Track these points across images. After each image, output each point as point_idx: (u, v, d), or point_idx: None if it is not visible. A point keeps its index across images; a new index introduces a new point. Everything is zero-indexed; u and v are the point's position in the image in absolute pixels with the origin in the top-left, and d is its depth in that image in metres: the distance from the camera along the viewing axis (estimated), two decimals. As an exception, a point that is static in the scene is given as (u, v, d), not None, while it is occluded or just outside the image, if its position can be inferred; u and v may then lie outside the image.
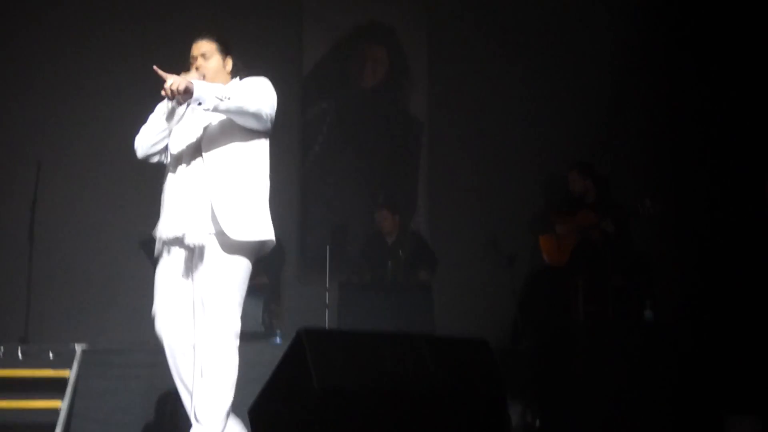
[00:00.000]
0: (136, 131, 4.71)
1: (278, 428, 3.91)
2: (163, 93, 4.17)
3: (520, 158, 9.09)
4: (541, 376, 6.37)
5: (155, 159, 4.63)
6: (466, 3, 9.39)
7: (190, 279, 4.43)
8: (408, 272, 7.99)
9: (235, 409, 5.49)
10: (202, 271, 4.36)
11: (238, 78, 4.63)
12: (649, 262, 7.52)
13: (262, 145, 4.59)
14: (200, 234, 4.32)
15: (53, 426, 5.72)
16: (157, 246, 4.50)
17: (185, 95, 4.13)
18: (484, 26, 9.28)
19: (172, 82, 4.12)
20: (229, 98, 4.22)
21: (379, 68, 9.70)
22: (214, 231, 4.35)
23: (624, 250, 7.35)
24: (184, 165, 4.44)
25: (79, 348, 6.18)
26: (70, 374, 6.05)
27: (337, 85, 9.59)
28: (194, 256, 4.38)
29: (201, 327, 4.36)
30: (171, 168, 4.50)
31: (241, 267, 4.43)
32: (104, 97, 8.24)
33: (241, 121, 4.39)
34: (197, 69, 4.51)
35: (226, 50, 4.61)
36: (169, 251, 4.46)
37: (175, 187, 4.44)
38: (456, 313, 8.06)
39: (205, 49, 4.55)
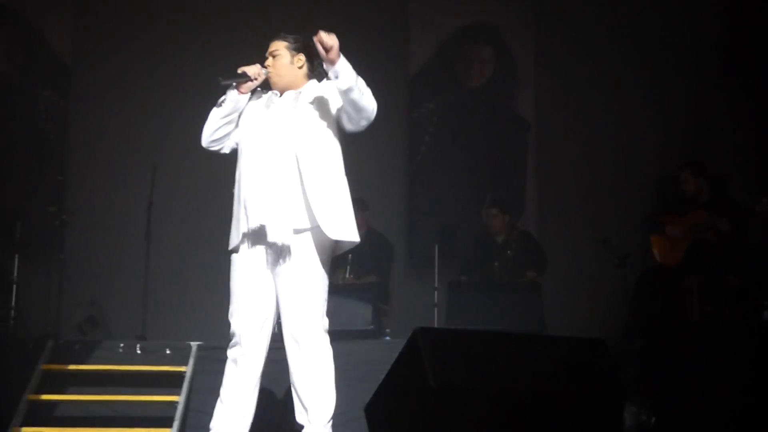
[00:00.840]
0: None
1: (394, 426, 3.94)
2: (318, 41, 4.24)
3: (629, 157, 8.97)
4: (656, 376, 6.27)
5: (215, 147, 4.64)
6: (573, 2, 9.30)
7: (271, 276, 4.45)
8: (516, 272, 7.95)
9: (350, 407, 5.60)
10: (286, 268, 4.39)
11: (315, 80, 4.66)
12: (767, 261, 7.33)
13: (340, 148, 4.64)
14: (286, 230, 4.37)
15: (171, 419, 5.85)
16: (234, 239, 4.50)
17: (331, 56, 4.25)
18: (591, 25, 9.19)
19: (329, 37, 4.25)
20: (359, 90, 4.39)
21: (485, 68, 9.69)
22: (300, 228, 4.40)
23: (740, 250, 7.18)
24: (270, 160, 4.46)
25: (194, 345, 6.32)
26: (187, 370, 6.18)
27: (443, 86, 9.62)
28: (277, 252, 4.40)
29: (290, 326, 4.41)
30: (251, 161, 4.50)
31: (326, 265, 4.48)
32: (215, 102, 8.43)
33: (353, 113, 4.50)
34: (266, 67, 4.61)
35: (296, 49, 4.66)
36: (249, 246, 4.47)
37: (260, 181, 4.45)
38: (566, 313, 8.00)
39: (274, 48, 4.66)
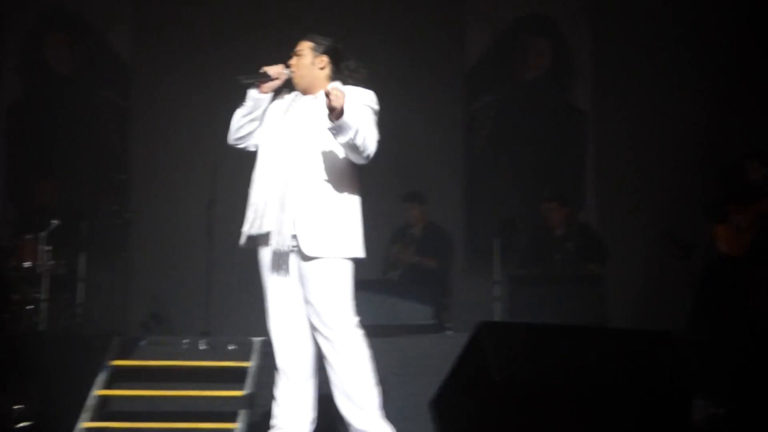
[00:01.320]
0: None
1: (459, 420, 3.94)
2: (329, 100, 4.17)
3: (691, 146, 8.85)
4: (724, 369, 6.18)
5: (241, 145, 4.66)
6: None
7: (294, 276, 4.45)
8: (577, 265, 7.90)
9: (413, 401, 5.61)
10: (303, 272, 4.42)
11: (338, 83, 4.58)
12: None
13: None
14: (286, 238, 4.37)
15: (235, 414, 5.90)
16: (242, 239, 4.53)
17: (335, 115, 4.19)
18: (649, 13, 9.08)
19: (339, 95, 4.18)
20: (357, 144, 4.28)
21: (542, 60, 9.64)
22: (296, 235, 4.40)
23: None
24: (279, 165, 4.47)
25: (257, 340, 6.36)
26: (251, 365, 6.24)
27: (500, 79, 9.59)
28: (282, 257, 4.41)
29: (318, 329, 4.42)
30: (263, 165, 4.53)
31: (340, 266, 4.45)
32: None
33: (351, 153, 4.39)
34: (290, 66, 4.62)
35: (320, 50, 4.65)
36: (261, 248, 4.50)
37: (266, 184, 4.47)
38: (629, 306, 7.94)
39: (299, 47, 4.66)
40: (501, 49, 9.62)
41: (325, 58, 4.64)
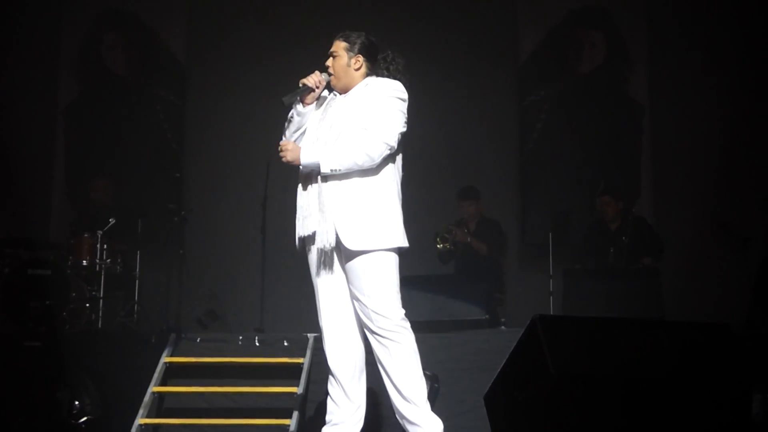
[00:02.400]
0: None
1: (514, 414, 3.92)
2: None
3: (748, 138, 8.71)
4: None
5: None
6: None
7: (340, 274, 4.51)
8: (632, 258, 7.81)
9: (468, 396, 5.59)
10: (348, 269, 4.47)
11: (372, 77, 4.62)
12: None
13: (393, 153, 4.55)
14: (327, 235, 4.41)
15: (290, 410, 5.91)
16: (297, 243, 4.60)
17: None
18: (704, 2, 8.94)
19: (284, 152, 4.47)
20: (339, 170, 4.38)
21: (596, 53, 9.55)
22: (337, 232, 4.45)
23: None
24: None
25: (311, 336, 6.37)
26: (305, 361, 6.25)
27: (554, 72, 9.51)
28: (335, 252, 4.48)
29: (365, 323, 4.46)
30: (305, 168, 4.57)
31: (383, 259, 4.47)
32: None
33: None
34: (327, 66, 4.63)
35: (355, 50, 4.64)
36: (310, 248, 4.55)
37: (306, 186, 4.52)
38: (685, 299, 7.83)
39: (334, 48, 4.66)
40: (555, 43, 9.54)
41: (360, 58, 4.65)
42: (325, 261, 4.48)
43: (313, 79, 4.56)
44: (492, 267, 8.04)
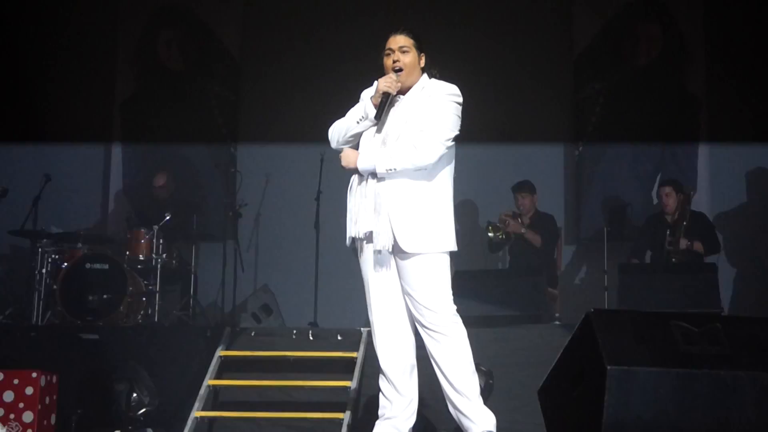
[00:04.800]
0: None
1: (568, 408, 3.89)
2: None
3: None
4: None
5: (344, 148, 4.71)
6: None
7: (393, 271, 4.53)
8: (690, 252, 7.70)
9: (523, 390, 5.57)
10: (401, 266, 4.49)
11: (427, 76, 4.64)
12: None
13: (447, 154, 4.55)
14: (384, 236, 4.43)
15: (344, 404, 5.94)
16: (348, 240, 4.62)
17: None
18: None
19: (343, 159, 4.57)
20: (395, 170, 4.41)
21: (653, 46, 9.41)
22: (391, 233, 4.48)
23: None
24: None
25: (364, 330, 6.40)
26: (358, 355, 6.27)
27: (609, 66, 9.40)
28: (384, 256, 4.49)
29: (418, 320, 4.49)
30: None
31: (438, 259, 4.49)
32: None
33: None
34: (395, 62, 4.58)
35: (421, 47, 4.65)
36: (362, 248, 4.58)
37: (360, 187, 4.54)
38: (745, 295, 7.72)
39: (403, 42, 4.61)
40: (610, 36, 9.43)
41: (423, 56, 4.67)
42: (380, 260, 4.51)
43: (393, 85, 4.53)
44: (546, 262, 7.99)
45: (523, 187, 8.25)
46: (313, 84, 9.04)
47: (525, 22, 9.24)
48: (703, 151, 9.05)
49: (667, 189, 7.99)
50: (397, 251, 4.47)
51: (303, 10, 9.49)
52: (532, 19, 9.23)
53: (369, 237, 4.51)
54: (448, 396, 4.49)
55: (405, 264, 4.48)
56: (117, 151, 9.68)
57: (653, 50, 9.40)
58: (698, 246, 7.67)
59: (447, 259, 4.54)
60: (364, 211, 4.49)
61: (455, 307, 4.51)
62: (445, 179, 4.57)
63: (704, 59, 9.17)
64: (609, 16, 9.44)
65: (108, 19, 9.71)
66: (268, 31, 9.64)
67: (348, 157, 4.53)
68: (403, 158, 4.42)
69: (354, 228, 4.54)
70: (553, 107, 9.30)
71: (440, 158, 4.49)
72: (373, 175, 4.45)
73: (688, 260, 7.64)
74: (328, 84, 8.86)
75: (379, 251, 4.46)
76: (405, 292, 4.52)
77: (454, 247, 4.55)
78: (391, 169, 4.41)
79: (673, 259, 7.62)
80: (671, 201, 7.92)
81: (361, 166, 4.47)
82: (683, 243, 7.62)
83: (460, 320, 4.50)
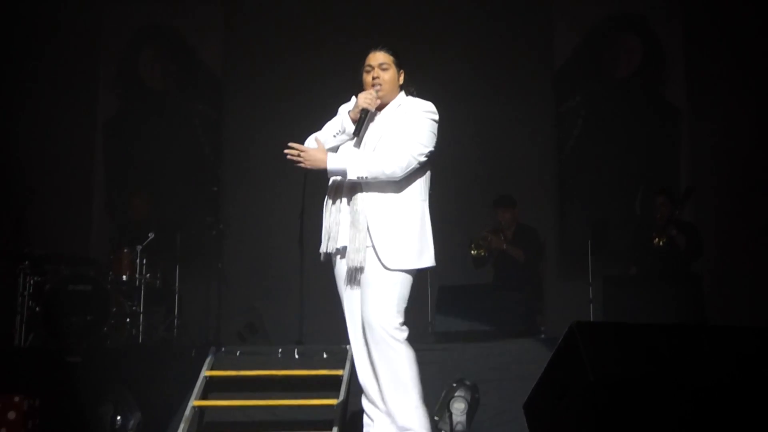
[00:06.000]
0: None
1: (554, 422, 3.87)
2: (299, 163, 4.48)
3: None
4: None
5: None
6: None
7: (357, 286, 4.52)
8: (675, 262, 7.70)
9: (509, 405, 5.55)
10: (362, 283, 4.47)
11: (404, 93, 4.64)
12: None
13: (423, 170, 4.54)
14: (359, 254, 4.40)
15: (331, 422, 5.91)
16: (323, 258, 4.65)
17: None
18: (739, 6, 8.83)
19: (305, 158, 4.46)
20: (366, 177, 4.37)
21: (632, 57, 9.49)
22: (370, 245, 4.43)
23: None
24: (348, 184, 4.49)
25: (350, 348, 6.35)
26: (344, 373, 6.24)
27: (590, 78, 9.46)
28: (354, 271, 4.48)
29: (367, 332, 4.47)
30: (334, 183, 4.58)
31: (397, 279, 4.46)
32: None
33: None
34: (375, 78, 4.57)
35: (400, 64, 4.64)
36: (337, 262, 4.59)
37: (336, 203, 4.54)
38: (728, 303, 7.73)
39: (383, 59, 4.60)
40: (590, 48, 9.50)
41: (402, 72, 4.67)
42: (353, 276, 4.50)
43: (373, 101, 4.51)
44: (530, 276, 7.99)
45: (503, 201, 8.25)
46: (295, 101, 9.04)
47: (506, 35, 9.27)
48: (685, 161, 9.09)
49: (663, 198, 7.94)
50: (369, 265, 4.43)
51: (284, 28, 9.52)
52: (513, 33, 9.27)
53: (342, 252, 4.50)
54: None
55: (371, 278, 4.43)
56: (99, 170, 9.66)
57: (633, 62, 9.47)
58: (681, 240, 7.64)
59: (408, 280, 4.48)
60: (341, 226, 4.48)
61: (400, 324, 4.45)
62: (423, 194, 4.55)
63: (684, 70, 9.22)
64: (589, 29, 9.49)
65: (90, 38, 9.71)
66: (249, 50, 9.65)
67: (315, 157, 4.46)
68: (375, 166, 4.38)
69: (330, 243, 4.53)
70: (536, 120, 9.33)
71: (413, 172, 4.46)
72: (343, 177, 4.40)
73: (672, 271, 7.63)
74: (310, 101, 8.84)
75: (354, 267, 4.43)
76: (362, 305, 4.48)
77: (432, 263, 4.53)
78: (362, 177, 4.38)
79: (657, 271, 7.61)
80: (665, 210, 7.87)
81: (330, 166, 4.41)
82: (668, 232, 7.59)
83: (404, 337, 4.45)
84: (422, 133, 4.49)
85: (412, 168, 4.44)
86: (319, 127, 4.71)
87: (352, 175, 4.38)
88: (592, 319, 7.30)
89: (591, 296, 7.64)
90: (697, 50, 9.15)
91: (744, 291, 8.13)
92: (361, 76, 4.66)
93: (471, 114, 8.55)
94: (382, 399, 4.48)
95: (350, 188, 4.47)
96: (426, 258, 4.51)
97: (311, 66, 9.20)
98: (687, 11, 9.25)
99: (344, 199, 4.49)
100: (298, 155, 4.48)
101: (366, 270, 4.44)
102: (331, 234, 4.52)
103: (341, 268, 4.56)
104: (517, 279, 7.85)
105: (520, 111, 9.16)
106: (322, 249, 4.58)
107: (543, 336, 7.01)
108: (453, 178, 7.98)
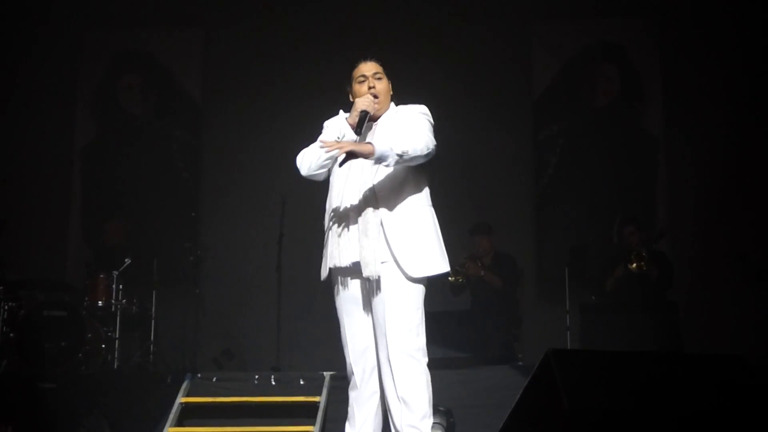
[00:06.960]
0: None
1: (529, 449, 3.86)
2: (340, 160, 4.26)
3: (763, 170, 8.67)
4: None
5: (315, 178, 4.57)
6: (698, 18, 9.04)
7: (368, 305, 4.44)
8: (651, 291, 7.73)
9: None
10: (379, 298, 4.37)
11: (394, 104, 4.62)
12: None
13: (427, 174, 4.54)
14: (376, 264, 4.32)
15: (307, 449, 5.89)
16: (323, 272, 4.51)
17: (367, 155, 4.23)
18: (717, 37, 8.92)
19: (351, 149, 4.21)
20: (408, 153, 4.25)
21: (610, 87, 9.56)
22: (387, 260, 4.35)
23: None
24: (354, 195, 4.43)
25: (327, 375, 6.35)
26: (321, 399, 6.22)
27: (568, 107, 9.52)
28: (370, 283, 4.38)
29: (382, 351, 4.37)
30: (338, 196, 4.49)
31: (416, 291, 4.41)
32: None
33: (407, 162, 4.36)
34: (371, 88, 4.51)
35: (389, 74, 4.62)
36: (344, 281, 4.48)
37: (343, 214, 4.44)
38: (705, 331, 7.76)
39: (375, 69, 4.56)
40: (569, 77, 9.56)
41: (391, 83, 4.63)
42: (372, 290, 4.38)
43: (371, 105, 4.45)
44: (508, 303, 8.00)
45: (479, 229, 8.27)
46: (274, 127, 9.05)
47: (485, 64, 9.32)
48: (662, 190, 9.15)
49: (631, 228, 8.00)
50: (389, 278, 4.35)
51: (264, 54, 9.54)
52: (492, 62, 9.32)
53: (350, 270, 4.41)
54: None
55: (388, 290, 4.35)
56: (77, 196, 9.62)
57: (611, 91, 9.54)
58: (653, 270, 7.67)
59: (423, 294, 4.44)
60: (351, 242, 4.38)
61: (423, 346, 4.40)
62: (428, 200, 4.51)
63: (662, 100, 9.30)
64: (567, 59, 9.56)
65: (68, 63, 9.69)
66: (228, 75, 9.66)
67: (356, 145, 4.24)
68: (408, 142, 4.26)
69: (338, 257, 4.40)
70: (514, 148, 9.37)
71: (419, 175, 4.43)
72: (382, 160, 4.21)
73: (649, 300, 7.66)
74: (289, 127, 8.85)
75: (371, 279, 4.33)
76: (376, 324, 4.39)
77: (447, 267, 4.48)
78: (405, 151, 4.22)
79: (634, 299, 7.63)
80: (634, 239, 7.93)
81: (379, 149, 4.17)
82: (639, 262, 7.63)
83: (425, 361, 4.40)
84: (425, 128, 4.45)
85: (430, 152, 4.35)
86: (297, 152, 4.66)
87: (397, 149, 4.21)
88: (569, 347, 7.31)
89: (568, 324, 7.65)
90: (674, 81, 9.23)
91: (720, 319, 8.17)
92: (348, 89, 4.61)
93: (450, 141, 8.53)
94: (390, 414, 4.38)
95: (358, 203, 4.39)
96: (446, 261, 4.46)
97: (289, 92, 9.23)
98: (665, 42, 9.32)
99: (351, 215, 4.40)
100: (335, 146, 4.26)
101: (383, 286, 4.35)
102: (340, 246, 4.42)
103: (349, 288, 4.47)
104: (495, 306, 7.86)
105: (498, 139, 9.19)
106: (330, 264, 4.45)
107: (520, 363, 7.01)
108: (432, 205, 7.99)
